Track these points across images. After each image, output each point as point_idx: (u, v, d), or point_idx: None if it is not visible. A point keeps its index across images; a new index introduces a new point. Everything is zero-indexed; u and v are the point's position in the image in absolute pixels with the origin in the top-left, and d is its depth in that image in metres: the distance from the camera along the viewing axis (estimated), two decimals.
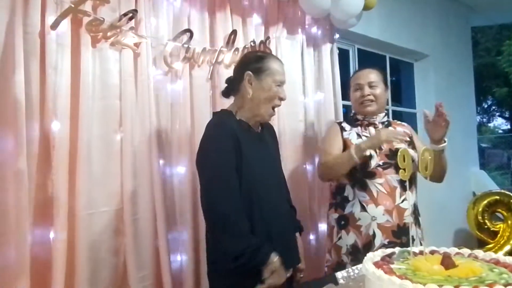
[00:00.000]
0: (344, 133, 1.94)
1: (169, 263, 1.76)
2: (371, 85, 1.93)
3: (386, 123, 1.97)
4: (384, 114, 1.98)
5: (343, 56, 3.08)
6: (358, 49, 3.28)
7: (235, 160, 1.43)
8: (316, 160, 2.40)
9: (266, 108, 1.55)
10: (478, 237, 3.79)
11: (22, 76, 1.43)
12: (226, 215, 1.37)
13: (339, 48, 2.67)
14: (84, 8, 1.60)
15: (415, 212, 1.88)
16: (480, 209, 3.76)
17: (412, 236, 1.74)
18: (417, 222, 1.88)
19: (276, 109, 1.62)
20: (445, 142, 1.76)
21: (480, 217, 3.75)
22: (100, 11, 1.67)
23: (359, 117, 1.97)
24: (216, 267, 1.50)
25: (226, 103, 1.93)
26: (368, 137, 1.85)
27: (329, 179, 1.95)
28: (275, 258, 1.38)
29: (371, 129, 1.93)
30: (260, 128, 1.64)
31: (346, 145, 1.90)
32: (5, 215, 1.40)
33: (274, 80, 1.54)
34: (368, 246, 1.78)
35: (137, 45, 1.76)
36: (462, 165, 4.08)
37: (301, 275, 1.65)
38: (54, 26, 1.53)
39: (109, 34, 1.68)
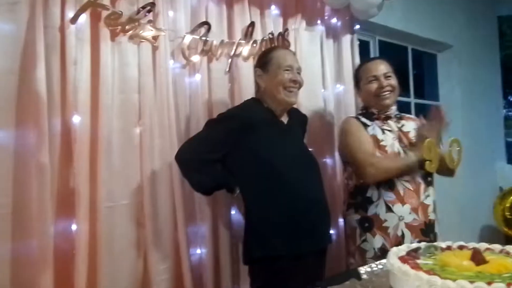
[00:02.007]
0: (368, 128, 1.83)
1: (189, 256, 1.76)
2: (386, 76, 1.83)
3: (398, 116, 1.89)
4: (395, 107, 1.89)
5: (364, 47, 3.01)
6: (379, 40, 3.19)
7: (233, 140, 1.59)
8: (337, 153, 2.35)
9: (279, 93, 1.65)
10: (506, 233, 3.66)
11: (43, 70, 1.45)
12: (187, 159, 1.60)
13: (359, 40, 2.61)
14: (102, 2, 1.60)
15: (435, 209, 1.81)
16: (507, 205, 3.62)
17: (437, 233, 1.72)
18: (437, 218, 1.81)
19: (297, 98, 1.73)
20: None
21: (507, 213, 3.62)
22: (118, 5, 1.68)
23: (374, 110, 1.87)
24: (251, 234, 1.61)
25: (245, 96, 1.93)
26: (416, 147, 1.69)
27: (377, 181, 1.75)
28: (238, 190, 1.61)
29: (390, 122, 1.84)
30: (288, 118, 1.74)
31: (373, 142, 1.79)
32: (28, 208, 1.42)
33: (279, 66, 1.66)
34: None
35: (155, 38, 1.75)
36: (488, 159, 3.94)
37: None
38: (74, 20, 1.54)
39: (127, 27, 1.68)
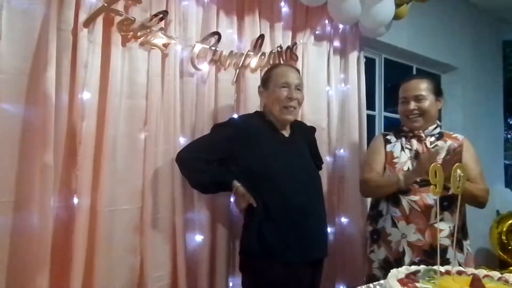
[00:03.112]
0: (388, 145, 1.86)
1: (186, 264, 1.75)
2: (418, 98, 1.81)
3: (437, 135, 1.85)
4: (434, 126, 1.85)
5: (370, 65, 3.04)
6: (385, 59, 3.23)
7: (230, 147, 1.64)
8: (340, 172, 2.36)
9: (276, 109, 1.71)
10: (501, 257, 3.65)
11: (54, 72, 1.46)
12: (185, 158, 1.65)
13: (365, 57, 2.63)
14: (116, 8, 1.62)
15: (457, 235, 1.78)
16: (504, 229, 3.62)
17: (448, 259, 1.69)
18: (457, 246, 1.76)
19: (296, 115, 1.78)
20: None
21: (504, 237, 3.61)
22: (131, 11, 1.70)
23: (405, 128, 1.89)
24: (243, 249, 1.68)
25: (250, 108, 1.94)
26: (415, 168, 1.74)
27: (368, 197, 1.92)
28: (237, 185, 1.60)
29: (413, 141, 1.84)
30: (290, 131, 1.77)
31: (387, 158, 1.83)
32: (30, 209, 1.42)
33: (276, 84, 1.71)
34: (399, 262, 1.71)
35: (165, 45, 1.77)
36: (487, 182, 3.94)
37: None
38: (87, 24, 1.56)
39: (139, 34, 1.69)
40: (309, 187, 1.69)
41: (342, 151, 2.39)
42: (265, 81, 1.77)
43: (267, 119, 1.74)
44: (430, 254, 1.69)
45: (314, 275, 1.69)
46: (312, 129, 1.96)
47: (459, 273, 1.09)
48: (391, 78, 3.22)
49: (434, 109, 1.84)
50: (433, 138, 1.84)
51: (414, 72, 3.53)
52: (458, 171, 1.04)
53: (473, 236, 3.65)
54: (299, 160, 1.72)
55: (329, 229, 2.25)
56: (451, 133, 1.90)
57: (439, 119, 2.00)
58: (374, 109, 3.16)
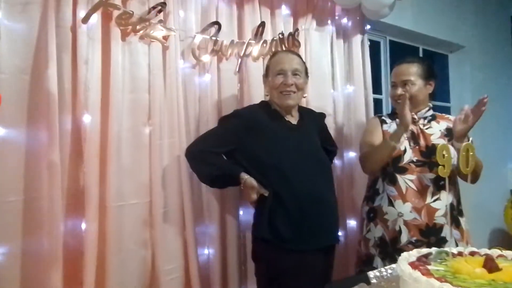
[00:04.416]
0: (384, 125, 1.90)
1: (197, 256, 1.76)
2: (405, 83, 1.83)
3: (430, 117, 1.88)
4: (427, 109, 1.88)
5: (374, 48, 2.98)
6: (390, 41, 3.16)
7: (237, 138, 1.64)
8: (346, 154, 2.35)
9: (275, 96, 1.72)
10: None
11: (55, 69, 1.46)
12: (194, 152, 1.65)
13: (370, 40, 2.58)
14: (113, 2, 1.61)
15: (452, 213, 1.79)
16: None
17: (444, 237, 1.70)
18: (454, 223, 1.79)
19: (297, 100, 1.74)
20: (468, 140, 1.65)
21: None
22: (129, 5, 1.68)
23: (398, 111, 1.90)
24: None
25: (254, 97, 1.93)
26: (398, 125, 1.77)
27: (369, 170, 1.90)
28: (245, 176, 1.58)
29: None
30: (299, 118, 1.77)
31: (384, 137, 1.84)
32: (39, 206, 1.44)
33: (273, 71, 1.72)
34: (395, 241, 1.75)
35: (165, 38, 1.76)
36: (500, 161, 3.89)
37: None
38: (85, 19, 1.55)
39: (138, 27, 1.68)
40: (318, 174, 1.68)
41: (349, 136, 2.36)
42: (266, 70, 1.79)
43: (273, 108, 1.74)
44: (426, 233, 1.72)
45: (326, 262, 1.68)
46: (322, 115, 1.94)
47: (472, 254, 1.07)
48: (397, 61, 3.16)
49: (423, 93, 1.85)
50: (426, 120, 1.86)
51: (421, 54, 3.47)
52: (468, 149, 1.02)
53: (487, 217, 3.66)
54: (308, 146, 1.71)
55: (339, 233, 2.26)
56: (443, 114, 1.93)
57: (434, 99, 1.99)
58: (380, 93, 3.11)
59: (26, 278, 1.41)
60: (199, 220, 1.83)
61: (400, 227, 1.74)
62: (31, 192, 1.44)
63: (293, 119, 1.75)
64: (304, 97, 1.93)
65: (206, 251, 1.85)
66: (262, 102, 1.82)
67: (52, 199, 1.42)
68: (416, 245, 1.68)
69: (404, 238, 1.73)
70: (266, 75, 1.78)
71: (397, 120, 1.87)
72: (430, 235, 1.72)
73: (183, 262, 1.74)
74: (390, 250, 1.76)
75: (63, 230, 1.45)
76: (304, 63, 1.79)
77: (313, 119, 1.85)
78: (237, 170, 1.61)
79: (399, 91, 1.84)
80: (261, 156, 1.61)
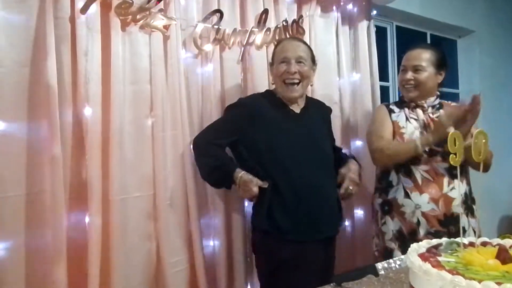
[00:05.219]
0: (393, 115, 1.85)
1: (202, 248, 1.75)
2: (416, 69, 1.79)
3: (438, 106, 1.84)
4: (434, 97, 1.84)
5: (381, 34, 2.91)
6: (397, 27, 3.09)
7: (238, 127, 1.62)
8: (352, 143, 2.31)
9: (279, 86, 1.69)
10: None
11: (54, 61, 1.43)
12: (199, 144, 1.65)
13: (376, 26, 2.52)
14: None
15: (467, 202, 1.76)
16: None
17: (463, 227, 1.68)
18: (469, 212, 1.77)
19: (302, 90, 1.70)
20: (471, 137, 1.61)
21: None
22: None
23: (405, 99, 1.88)
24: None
25: (257, 86, 1.89)
26: (433, 129, 1.71)
27: (384, 165, 1.85)
28: (240, 173, 1.55)
29: (419, 111, 1.83)
30: (304, 107, 1.73)
31: (394, 127, 1.81)
32: (42, 200, 1.42)
33: (277, 59, 1.69)
34: (414, 233, 1.72)
35: (166, 27, 1.72)
36: (509, 148, 3.82)
37: (351, 189, 1.67)
38: (84, 10, 1.51)
39: (138, 17, 1.64)
40: (318, 164, 1.65)
41: (355, 124, 2.32)
42: (272, 58, 1.76)
43: (277, 97, 1.71)
44: (445, 223, 1.70)
45: (326, 253, 1.66)
46: (329, 111, 1.89)
47: (484, 244, 1.04)
48: (404, 47, 3.09)
49: (432, 82, 1.80)
50: (434, 109, 1.83)
51: (428, 40, 3.39)
52: (480, 137, 0.97)
53: (497, 204, 3.60)
54: (310, 136, 1.67)
55: (346, 223, 2.23)
56: (450, 102, 1.88)
57: (442, 85, 1.93)
58: (387, 80, 3.05)
59: (30, 273, 1.40)
60: (203, 212, 1.81)
61: (418, 219, 1.72)
62: (33, 186, 1.42)
63: (297, 107, 1.72)
64: (310, 86, 1.89)
65: (211, 243, 1.83)
66: (267, 91, 1.80)
67: (55, 193, 1.41)
68: (436, 236, 1.65)
69: (423, 229, 1.71)
70: (271, 64, 1.75)
71: (406, 109, 1.83)
72: (449, 224, 1.70)
73: (188, 254, 1.73)
74: (410, 244, 1.72)
75: (66, 224, 1.44)
76: (310, 50, 1.75)
77: (319, 110, 1.81)
78: (233, 166, 1.59)
79: (409, 75, 1.80)
80: (260, 146, 1.59)
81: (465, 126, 1.60)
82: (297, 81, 1.65)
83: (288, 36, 2.03)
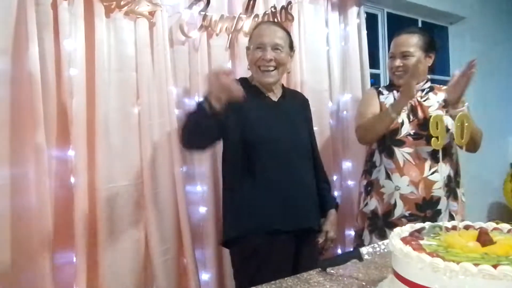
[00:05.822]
0: (381, 96, 1.86)
1: (191, 237, 1.75)
2: (404, 55, 1.78)
3: (428, 89, 1.84)
4: (424, 81, 1.84)
5: (371, 21, 2.89)
6: (388, 13, 3.07)
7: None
8: (344, 132, 2.32)
9: (254, 71, 1.61)
10: None
11: (36, 49, 1.41)
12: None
13: (366, 13, 2.50)
14: None
15: (449, 184, 1.77)
16: None
17: (440, 209, 1.69)
18: (451, 195, 1.77)
19: (277, 77, 1.60)
20: (463, 105, 1.63)
21: None
22: None
23: (395, 83, 1.87)
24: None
25: (246, 74, 1.86)
26: (401, 90, 1.71)
27: (366, 141, 1.88)
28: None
29: None
30: (281, 96, 1.65)
31: (381, 108, 1.82)
32: (27, 190, 1.41)
33: (253, 44, 1.60)
34: (388, 214, 1.74)
35: (152, 14, 1.69)
36: (499, 134, 3.84)
37: (331, 245, 1.71)
38: None
39: (122, 3, 1.62)
40: (296, 154, 1.58)
41: (345, 112, 2.32)
42: (249, 41, 1.66)
43: (252, 84, 1.61)
44: (422, 207, 1.71)
45: (300, 246, 1.55)
46: (306, 102, 1.79)
47: (466, 227, 1.04)
48: (396, 32, 3.08)
49: (422, 65, 1.79)
50: (423, 93, 1.83)
51: (420, 26, 3.37)
52: (463, 119, 0.97)
53: (486, 190, 3.64)
54: (287, 124, 1.60)
55: (334, 177, 2.24)
56: (441, 86, 1.88)
57: (433, 72, 1.95)
58: (378, 68, 3.04)
59: (17, 264, 1.39)
60: (192, 201, 1.81)
61: (395, 201, 1.73)
62: (18, 176, 1.40)
63: (274, 96, 1.63)
64: (288, 73, 1.84)
65: (201, 231, 1.83)
66: (241, 78, 1.65)
67: (39, 183, 1.39)
68: (410, 219, 1.67)
69: (398, 211, 1.72)
70: (248, 48, 1.64)
71: (394, 92, 1.84)
72: (427, 208, 1.71)
73: (177, 243, 1.73)
74: (381, 224, 1.75)
75: (52, 214, 1.43)
76: (289, 35, 1.65)
77: (296, 99, 1.74)
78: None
79: (397, 62, 1.80)
80: (236, 133, 1.50)
81: (458, 90, 1.59)
82: (272, 68, 1.57)
83: None
